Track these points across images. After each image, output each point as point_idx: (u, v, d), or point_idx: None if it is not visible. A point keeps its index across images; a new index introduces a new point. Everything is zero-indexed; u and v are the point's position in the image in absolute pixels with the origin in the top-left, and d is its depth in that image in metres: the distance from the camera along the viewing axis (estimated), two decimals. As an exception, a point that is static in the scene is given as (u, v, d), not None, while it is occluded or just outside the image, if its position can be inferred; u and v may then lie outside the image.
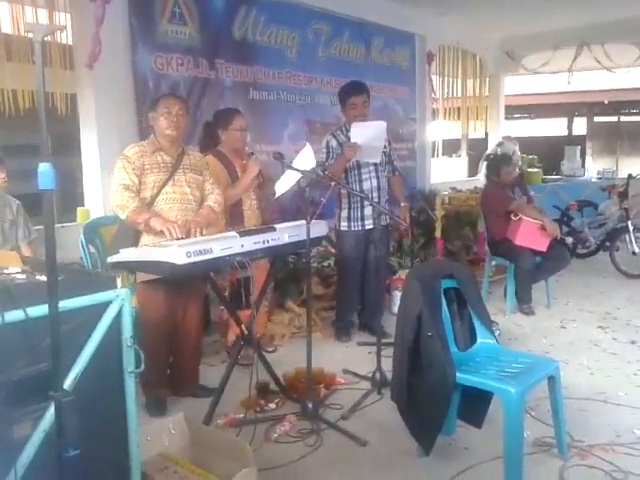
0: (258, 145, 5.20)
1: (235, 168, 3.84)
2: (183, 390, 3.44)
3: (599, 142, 14.48)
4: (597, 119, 14.64)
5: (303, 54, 5.80)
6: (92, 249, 3.67)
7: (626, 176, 6.81)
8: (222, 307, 3.95)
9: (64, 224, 4.25)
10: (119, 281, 2.66)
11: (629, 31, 7.77)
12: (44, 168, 1.52)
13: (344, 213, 4.36)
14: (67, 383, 1.73)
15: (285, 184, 3.46)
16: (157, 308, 3.18)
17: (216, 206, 3.35)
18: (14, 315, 1.65)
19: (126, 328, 1.97)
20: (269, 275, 3.57)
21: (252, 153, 3.81)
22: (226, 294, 3.79)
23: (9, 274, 1.89)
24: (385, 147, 4.33)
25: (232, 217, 3.83)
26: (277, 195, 3.60)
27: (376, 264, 4.24)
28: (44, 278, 1.80)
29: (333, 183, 3.42)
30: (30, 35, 1.55)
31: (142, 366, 2.00)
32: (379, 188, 4.33)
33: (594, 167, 11.63)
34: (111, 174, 3.15)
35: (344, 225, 4.37)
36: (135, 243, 3.12)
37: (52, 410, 1.66)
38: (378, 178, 4.33)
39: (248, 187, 3.82)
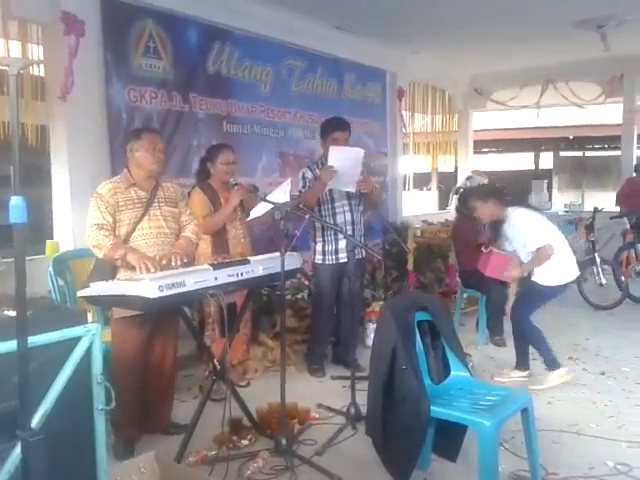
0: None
1: (220, 200, 3.91)
2: (154, 427, 3.36)
3: (565, 176, 14.86)
4: (563, 154, 15.04)
5: (277, 88, 5.87)
6: (61, 282, 3.61)
7: (592, 209, 6.98)
8: (207, 333, 3.95)
9: (32, 257, 4.15)
10: (90, 316, 2.62)
11: (591, 70, 8.16)
12: (16, 201, 1.50)
13: (319, 247, 4.38)
14: (34, 422, 1.68)
15: (257, 212, 3.48)
16: (131, 345, 3.13)
17: (193, 237, 3.37)
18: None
19: (96, 364, 1.93)
20: (247, 300, 3.52)
21: (236, 184, 3.83)
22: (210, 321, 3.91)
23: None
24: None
25: (216, 246, 3.88)
26: (248, 219, 3.66)
27: (351, 297, 4.24)
28: (12, 313, 1.76)
29: (307, 215, 3.43)
30: (4, 68, 1.54)
31: (112, 403, 1.95)
32: (353, 222, 4.36)
33: (560, 200, 11.90)
34: (85, 209, 3.13)
35: (319, 258, 4.38)
36: (112, 278, 3.06)
37: (18, 450, 1.60)
38: (352, 212, 4.37)
39: (229, 216, 3.87)
